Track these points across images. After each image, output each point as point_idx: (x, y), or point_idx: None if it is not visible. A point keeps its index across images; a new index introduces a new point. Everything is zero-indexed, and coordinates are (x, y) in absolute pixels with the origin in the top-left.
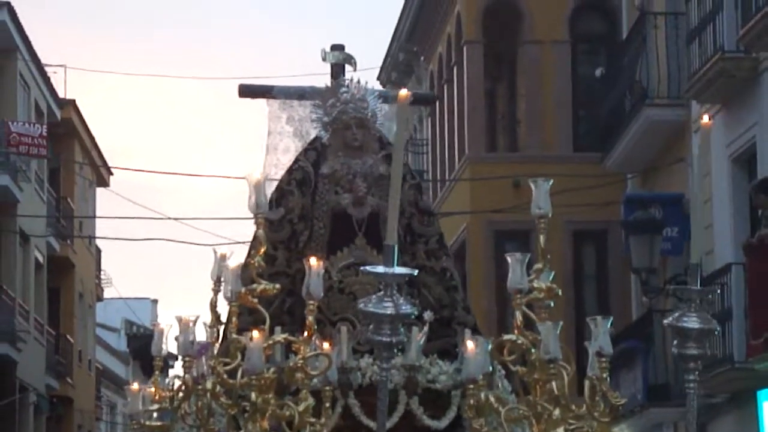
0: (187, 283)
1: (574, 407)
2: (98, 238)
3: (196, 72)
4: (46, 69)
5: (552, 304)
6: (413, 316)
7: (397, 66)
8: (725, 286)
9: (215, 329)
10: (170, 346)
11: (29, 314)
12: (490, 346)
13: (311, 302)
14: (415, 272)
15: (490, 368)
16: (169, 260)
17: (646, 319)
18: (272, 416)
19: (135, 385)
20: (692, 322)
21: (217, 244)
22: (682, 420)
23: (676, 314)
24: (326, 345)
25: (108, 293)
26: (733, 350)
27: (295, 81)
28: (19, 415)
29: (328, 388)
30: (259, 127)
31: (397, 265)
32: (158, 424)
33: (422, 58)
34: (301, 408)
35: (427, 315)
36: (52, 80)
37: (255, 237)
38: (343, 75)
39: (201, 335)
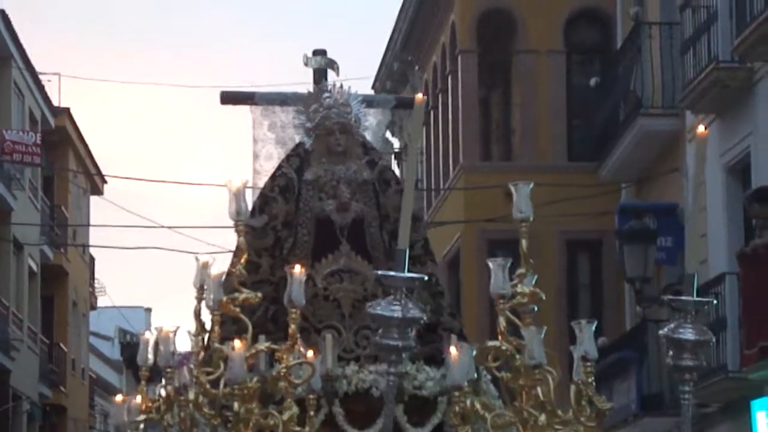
0: (180, 291)
1: (560, 412)
2: (92, 246)
3: (190, 81)
4: (41, 77)
5: (536, 309)
6: (422, 321)
7: (392, 75)
8: (719, 296)
9: (200, 338)
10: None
11: (23, 323)
12: (474, 353)
13: (293, 310)
14: (425, 277)
15: (475, 374)
16: (162, 269)
17: (640, 329)
18: (256, 426)
19: (119, 397)
20: (688, 334)
21: (208, 253)
22: (676, 430)
23: (672, 325)
24: (310, 353)
25: (101, 302)
26: (726, 360)
27: (293, 89)
28: (12, 424)
29: (312, 396)
30: (247, 135)
31: (382, 270)
32: None
33: (417, 68)
34: (285, 417)
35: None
36: (47, 88)
37: (237, 245)
38: (326, 80)
39: (182, 346)
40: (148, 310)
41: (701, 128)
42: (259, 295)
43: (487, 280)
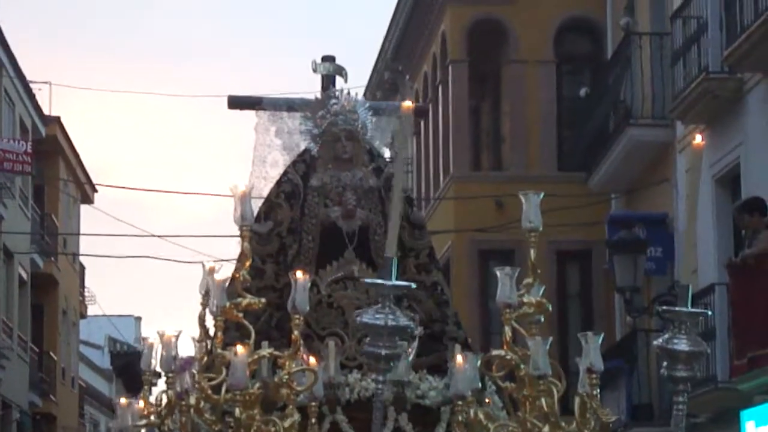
0: (170, 300)
1: (563, 424)
2: (82, 255)
3: (182, 90)
4: (32, 86)
5: (542, 319)
6: (410, 330)
7: (382, 85)
8: (708, 306)
9: (203, 343)
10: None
11: (13, 331)
12: (479, 362)
13: (296, 316)
14: (413, 285)
15: (479, 384)
16: (152, 278)
17: (630, 339)
18: None
19: (123, 400)
20: (682, 345)
21: (200, 262)
22: None
23: (666, 336)
24: (312, 360)
25: (92, 310)
26: (716, 370)
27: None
28: None
29: (314, 403)
30: (245, 144)
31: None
32: None
33: (407, 77)
34: (286, 424)
35: (418, 330)
36: (38, 97)
37: (241, 250)
38: (333, 86)
39: (184, 351)
40: (138, 319)
41: (698, 138)
42: (263, 300)
43: (477, 289)
